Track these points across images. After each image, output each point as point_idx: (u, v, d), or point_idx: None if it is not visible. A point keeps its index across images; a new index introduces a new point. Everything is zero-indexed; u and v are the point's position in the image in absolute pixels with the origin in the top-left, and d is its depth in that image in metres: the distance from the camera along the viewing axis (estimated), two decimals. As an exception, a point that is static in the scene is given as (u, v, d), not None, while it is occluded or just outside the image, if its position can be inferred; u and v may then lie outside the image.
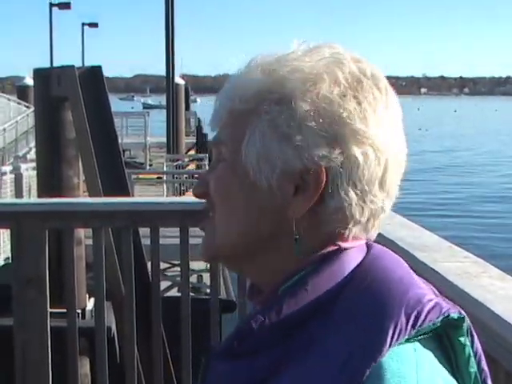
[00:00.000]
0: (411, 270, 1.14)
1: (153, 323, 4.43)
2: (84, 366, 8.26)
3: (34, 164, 12.62)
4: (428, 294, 1.08)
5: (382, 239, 3.16)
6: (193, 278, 11.86)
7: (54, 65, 19.83)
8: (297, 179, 1.11)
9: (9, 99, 33.51)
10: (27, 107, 31.98)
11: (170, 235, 5.65)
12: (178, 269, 11.57)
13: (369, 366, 0.98)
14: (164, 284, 11.04)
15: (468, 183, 38.74)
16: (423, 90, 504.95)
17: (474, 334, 1.10)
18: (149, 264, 6.68)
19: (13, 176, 13.45)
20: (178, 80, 32.81)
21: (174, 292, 11.93)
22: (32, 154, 19.66)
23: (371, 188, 1.11)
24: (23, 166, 14.14)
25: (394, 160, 1.13)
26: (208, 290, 11.31)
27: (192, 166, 25.52)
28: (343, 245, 1.12)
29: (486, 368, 1.11)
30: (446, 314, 1.05)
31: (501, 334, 2.22)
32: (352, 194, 1.10)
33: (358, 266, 1.11)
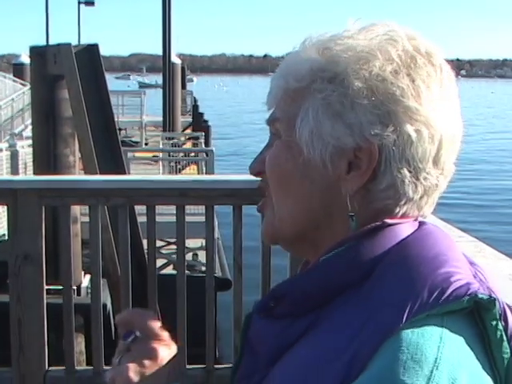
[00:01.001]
0: (457, 250, 1.13)
1: (148, 300, 4.45)
2: (79, 344, 8.30)
3: (29, 141, 12.60)
4: (462, 273, 1.06)
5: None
6: (188, 256, 11.88)
7: (50, 43, 19.72)
8: (350, 156, 1.11)
9: (4, 77, 33.36)
10: (23, 85, 31.86)
11: (164, 213, 5.66)
12: (173, 246, 11.61)
13: (381, 338, 0.99)
14: (159, 262, 11.06)
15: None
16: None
17: (510, 317, 1.06)
18: (144, 242, 6.71)
19: (9, 153, 13.42)
20: (175, 59, 32.68)
21: (169, 270, 11.95)
22: (28, 132, 19.61)
23: (425, 165, 1.11)
24: (19, 144, 14.11)
25: (448, 137, 1.13)
26: (203, 268, 11.35)
27: (188, 145, 25.48)
28: (389, 221, 1.12)
29: None
30: (473, 294, 1.02)
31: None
32: (405, 171, 1.10)
33: (402, 240, 1.11)
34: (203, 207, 4.53)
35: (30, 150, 11.92)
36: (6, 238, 4.73)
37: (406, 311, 1.00)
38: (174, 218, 4.48)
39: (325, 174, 1.12)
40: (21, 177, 10.53)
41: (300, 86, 1.14)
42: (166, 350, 1.23)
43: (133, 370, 1.20)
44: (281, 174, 1.16)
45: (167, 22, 27.41)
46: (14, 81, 33.67)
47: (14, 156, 13.31)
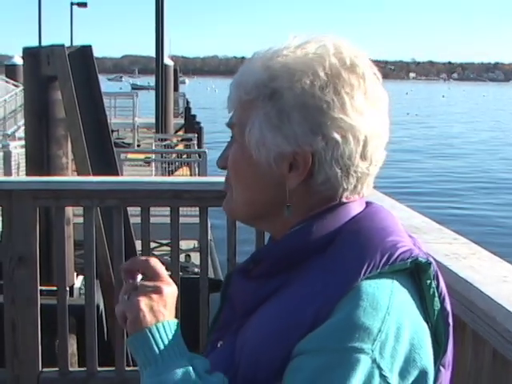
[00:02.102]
0: (399, 225, 1.41)
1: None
2: (71, 346, 8.29)
3: (22, 142, 12.58)
4: (405, 242, 1.34)
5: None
6: (180, 258, 11.86)
7: (43, 44, 19.69)
8: (290, 159, 1.35)
9: (-3, 78, 33.33)
10: (16, 86, 31.82)
11: (156, 214, 5.66)
12: (166, 248, 11.62)
13: (343, 290, 1.24)
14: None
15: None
16: (412, 75, 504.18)
17: (441, 279, 1.35)
18: (137, 243, 6.70)
19: (1, 154, 13.41)
20: (167, 61, 32.69)
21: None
22: (21, 133, 19.58)
23: (353, 161, 1.35)
24: (12, 144, 14.09)
25: (374, 135, 1.36)
26: (196, 270, 11.35)
27: (181, 147, 25.47)
28: (342, 200, 1.38)
29: (448, 308, 1.35)
30: (415, 258, 1.30)
31: (489, 313, 2.25)
32: (336, 169, 1.34)
33: (354, 216, 1.38)
34: (195, 209, 4.53)
35: (23, 150, 11.90)
36: (0, 239, 4.73)
37: (363, 270, 1.25)
38: (166, 220, 4.48)
39: (271, 172, 1.37)
40: (15, 178, 10.53)
41: (248, 99, 1.36)
42: (169, 287, 1.37)
43: (144, 302, 1.33)
44: (237, 170, 1.41)
45: (160, 24, 27.40)
46: (6, 82, 33.63)
47: (7, 157, 13.30)
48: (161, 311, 1.34)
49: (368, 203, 1.43)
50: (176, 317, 1.37)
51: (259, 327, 1.32)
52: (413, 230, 3.11)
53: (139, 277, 1.38)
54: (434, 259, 2.62)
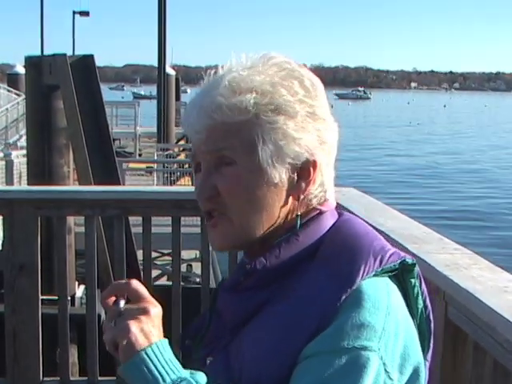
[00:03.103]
0: (373, 229, 1.45)
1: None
2: (72, 355, 8.28)
3: (24, 151, 12.59)
4: (388, 245, 1.40)
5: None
6: (182, 267, 11.87)
7: (45, 53, 19.72)
8: (298, 169, 1.40)
9: (-1, 87, 33.37)
10: (17, 95, 31.86)
11: (157, 224, 5.66)
12: (167, 257, 11.60)
13: (344, 292, 1.28)
14: (153, 273, 11.03)
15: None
16: (413, 85, 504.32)
17: (422, 278, 1.42)
18: (138, 252, 6.70)
19: (3, 163, 13.41)
20: (169, 70, 32.71)
21: (162, 281, 11.94)
22: (22, 142, 19.61)
23: (332, 163, 1.46)
24: (14, 153, 14.10)
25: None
26: (197, 279, 11.34)
27: (182, 156, 25.46)
28: (322, 209, 1.45)
29: (429, 306, 1.42)
30: (403, 258, 1.37)
31: (490, 324, 2.25)
32: (330, 172, 1.45)
33: (333, 224, 1.44)
34: (196, 218, 4.52)
35: (25, 160, 11.91)
36: (0, 248, 4.73)
37: (361, 272, 1.31)
38: (167, 229, 4.48)
39: (282, 187, 1.39)
40: (17, 187, 10.53)
41: (245, 119, 1.36)
42: (155, 307, 1.35)
43: (134, 325, 1.30)
44: (248, 194, 1.38)
45: (162, 33, 27.43)
46: (8, 91, 33.66)
47: (9, 166, 13.30)
48: (152, 332, 1.31)
49: (339, 212, 1.49)
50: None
51: (258, 339, 1.33)
52: (414, 240, 3.12)
53: (122, 302, 1.34)
54: (435, 269, 2.64)
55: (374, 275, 1.32)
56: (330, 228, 1.43)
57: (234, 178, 1.38)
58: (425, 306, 1.42)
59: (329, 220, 1.44)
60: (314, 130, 1.41)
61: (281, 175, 1.38)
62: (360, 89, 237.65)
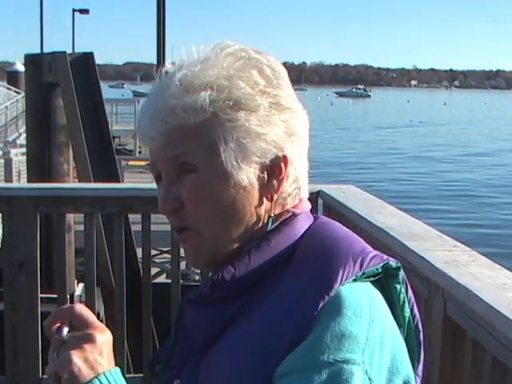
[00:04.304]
0: (353, 233, 1.31)
1: (143, 309, 4.45)
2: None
3: (23, 149, 12.60)
4: (369, 247, 1.26)
5: (373, 228, 3.19)
6: (181, 265, 11.86)
7: (45, 51, 19.72)
8: (267, 167, 1.26)
9: (-2, 85, 33.39)
10: (17, 93, 31.87)
11: (157, 222, 5.66)
12: (166, 255, 11.60)
13: (321, 299, 1.15)
14: (152, 270, 11.04)
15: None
16: (413, 83, 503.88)
17: (408, 283, 1.28)
18: (137, 250, 6.70)
19: (2, 161, 13.42)
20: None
21: (161, 279, 11.94)
22: (22, 140, 19.62)
23: (304, 162, 1.33)
24: (13, 151, 14.11)
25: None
26: (197, 277, 11.34)
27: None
28: (296, 211, 1.31)
29: (417, 314, 1.29)
30: (385, 261, 1.23)
31: (489, 321, 2.25)
32: (303, 165, 1.33)
33: (308, 228, 1.31)
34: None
35: (24, 157, 11.92)
36: (1, 245, 4.73)
37: (339, 277, 1.17)
38: (167, 227, 4.47)
39: (252, 189, 1.26)
40: (16, 184, 10.53)
41: (200, 119, 1.23)
42: (102, 334, 1.20)
43: (76, 355, 1.15)
44: (214, 202, 1.24)
45: (161, 31, 27.37)
46: (8, 88, 33.68)
47: (8, 164, 13.31)
48: (98, 361, 1.16)
49: (315, 216, 1.37)
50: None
51: (230, 355, 1.19)
52: (413, 237, 3.12)
53: (65, 329, 1.20)
54: (434, 266, 2.64)
55: (354, 280, 1.18)
56: (305, 231, 1.30)
57: (196, 186, 1.24)
58: (413, 315, 1.27)
59: (303, 223, 1.31)
60: (281, 121, 1.27)
61: (249, 176, 1.25)
62: (360, 87, 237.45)
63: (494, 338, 2.24)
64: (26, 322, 4.38)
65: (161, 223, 6.51)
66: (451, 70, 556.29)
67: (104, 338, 1.19)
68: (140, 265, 6.70)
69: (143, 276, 4.52)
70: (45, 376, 4.49)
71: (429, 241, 3.11)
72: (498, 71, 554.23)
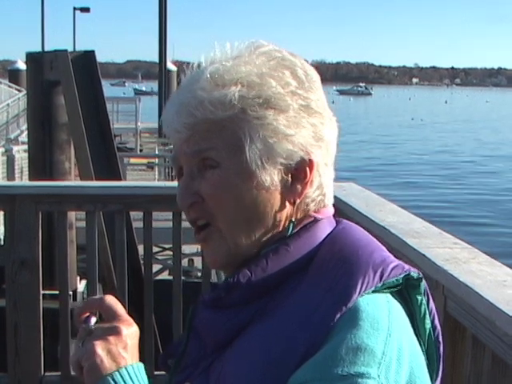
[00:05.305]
0: (375, 239, 1.28)
1: (144, 306, 4.46)
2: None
3: (25, 146, 12.61)
4: (391, 256, 1.23)
5: (374, 226, 3.20)
6: (183, 262, 11.89)
7: (46, 49, 19.71)
8: (292, 170, 1.24)
9: (0, 82, 33.41)
10: (19, 91, 31.88)
11: (158, 218, 5.67)
12: (168, 252, 11.62)
13: (339, 309, 1.12)
14: (154, 267, 11.06)
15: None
16: (415, 80, 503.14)
17: (430, 294, 1.24)
18: (139, 247, 6.71)
19: (5, 158, 13.43)
20: (170, 66, 32.74)
21: (164, 275, 11.95)
22: (23, 137, 19.62)
23: (330, 168, 1.29)
24: (15, 148, 14.13)
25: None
26: (199, 274, 11.35)
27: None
28: (318, 216, 1.28)
29: (438, 326, 1.25)
30: (407, 272, 1.20)
31: (489, 318, 2.26)
32: (329, 172, 1.29)
33: (329, 234, 1.27)
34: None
35: (26, 155, 11.93)
36: (2, 243, 4.73)
37: (358, 287, 1.14)
38: (168, 224, 4.48)
39: (274, 190, 1.23)
40: (18, 182, 10.53)
41: (229, 114, 1.20)
42: (129, 327, 1.21)
43: (100, 347, 1.16)
44: (236, 201, 1.22)
45: (163, 29, 27.43)
46: (9, 86, 33.70)
47: (10, 161, 13.32)
48: (121, 354, 1.17)
49: (337, 220, 1.32)
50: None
51: (241, 361, 1.16)
52: (413, 235, 3.12)
53: (93, 319, 1.22)
54: (434, 263, 2.65)
55: (374, 291, 1.15)
56: (326, 237, 1.25)
57: (218, 183, 1.22)
58: (433, 327, 1.24)
59: (325, 228, 1.27)
60: (309, 125, 1.23)
61: (272, 178, 1.22)
62: (361, 84, 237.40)
63: (494, 335, 2.25)
64: (28, 318, 4.39)
65: (163, 220, 6.53)
66: (452, 68, 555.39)
67: (130, 331, 1.21)
68: (142, 262, 6.72)
69: (145, 273, 4.52)
70: (47, 373, 4.50)
71: (429, 238, 3.11)
72: (499, 69, 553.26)
